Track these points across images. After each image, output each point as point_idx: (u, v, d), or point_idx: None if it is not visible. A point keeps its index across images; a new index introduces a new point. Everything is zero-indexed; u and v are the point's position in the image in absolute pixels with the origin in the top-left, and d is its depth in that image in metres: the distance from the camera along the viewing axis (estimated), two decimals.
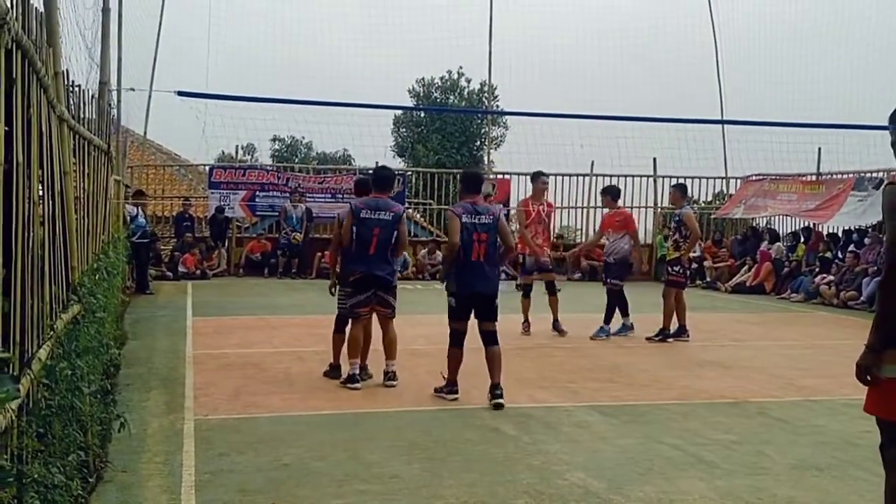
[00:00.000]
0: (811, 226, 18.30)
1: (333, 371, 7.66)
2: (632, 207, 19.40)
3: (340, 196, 18.56)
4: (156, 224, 19.10)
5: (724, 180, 22.08)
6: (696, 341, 10.32)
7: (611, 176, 19.49)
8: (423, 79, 37.45)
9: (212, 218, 18.71)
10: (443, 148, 34.77)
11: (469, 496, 4.60)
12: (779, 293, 16.74)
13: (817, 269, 16.22)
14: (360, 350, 7.40)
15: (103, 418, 5.25)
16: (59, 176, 4.94)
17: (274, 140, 41.94)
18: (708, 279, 18.29)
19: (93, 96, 8.56)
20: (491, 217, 6.99)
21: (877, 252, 14.59)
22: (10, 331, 3.13)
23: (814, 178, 18.84)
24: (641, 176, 20.69)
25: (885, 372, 3.37)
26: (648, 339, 10.31)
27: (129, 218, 14.22)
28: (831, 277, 15.54)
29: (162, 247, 18.05)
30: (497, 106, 31.54)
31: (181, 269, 17.31)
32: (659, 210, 20.56)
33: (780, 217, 19.71)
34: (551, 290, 10.67)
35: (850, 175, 17.44)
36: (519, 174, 19.22)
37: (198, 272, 17.35)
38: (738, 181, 21.26)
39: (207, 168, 19.93)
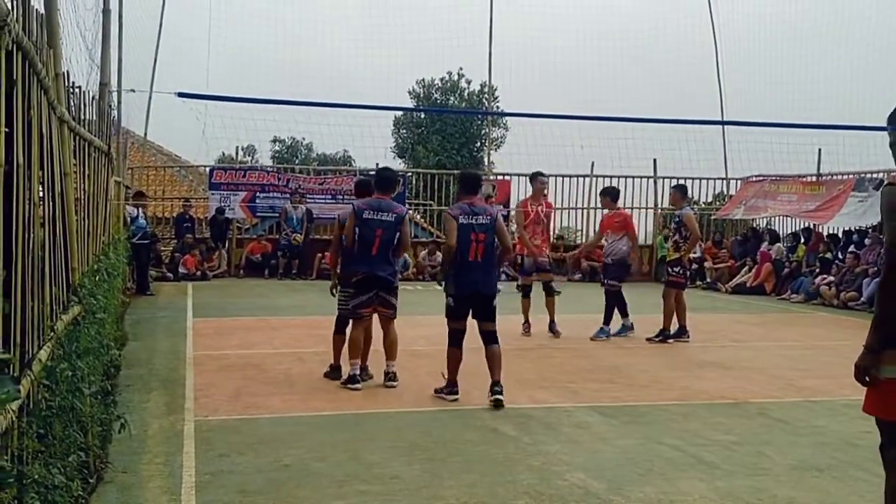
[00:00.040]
0: (811, 226, 18.30)
1: (334, 372, 7.66)
2: (632, 209, 19.44)
3: (341, 197, 18.57)
4: (156, 225, 19.13)
5: (725, 181, 22.08)
6: (696, 342, 10.32)
7: (611, 177, 19.49)
8: (423, 80, 37.47)
9: (212, 219, 18.71)
10: (443, 149, 34.79)
11: (469, 497, 4.60)
12: (779, 294, 16.74)
13: (817, 270, 16.21)
14: (361, 351, 7.41)
15: (104, 419, 5.25)
16: (60, 177, 4.95)
17: (274, 141, 42.06)
18: (708, 280, 18.29)
19: (93, 97, 8.57)
20: (488, 217, 7.01)
21: (877, 253, 14.59)
22: (10, 332, 3.14)
23: (814, 178, 18.84)
24: (642, 177, 20.69)
25: (883, 373, 3.37)
26: (649, 339, 10.31)
27: (129, 219, 14.22)
28: (831, 278, 15.54)
29: (162, 248, 18.07)
30: (497, 107, 31.55)
31: (181, 270, 17.32)
32: (659, 211, 20.56)
33: (781, 218, 19.72)
34: (549, 291, 10.67)
35: (851, 176, 17.44)
36: (519, 175, 19.22)
37: (198, 273, 17.36)
38: (739, 182, 21.26)
39: (208, 169, 19.94)
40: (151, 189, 19.87)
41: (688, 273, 11.24)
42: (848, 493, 4.83)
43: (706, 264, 18.23)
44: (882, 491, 3.51)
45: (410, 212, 19.04)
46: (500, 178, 20.63)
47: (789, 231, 19.57)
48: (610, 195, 11.33)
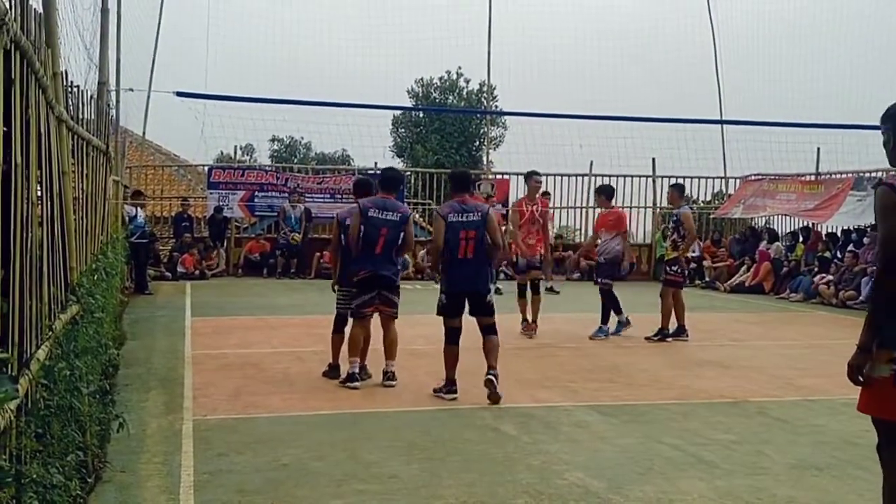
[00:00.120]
0: (810, 225, 18.31)
1: (332, 371, 7.66)
2: (630, 207, 19.46)
3: (339, 196, 18.56)
4: (154, 224, 19.09)
5: (723, 180, 22.07)
6: (695, 341, 10.33)
7: (610, 176, 19.48)
8: (422, 79, 37.52)
9: (210, 218, 18.70)
10: (442, 148, 34.81)
11: (468, 496, 4.59)
12: (778, 293, 16.73)
13: (816, 269, 16.22)
14: (360, 349, 7.41)
15: (102, 418, 5.24)
16: (58, 176, 4.94)
17: (273, 140, 42.08)
18: (707, 279, 18.28)
19: (91, 97, 8.57)
20: (479, 214, 7.02)
21: (875, 252, 14.58)
22: (8, 331, 3.13)
23: (813, 177, 18.84)
24: (640, 176, 20.69)
25: (877, 371, 3.36)
26: (647, 338, 10.31)
27: (127, 218, 14.22)
28: (830, 277, 15.55)
29: (161, 247, 18.04)
30: (496, 106, 31.56)
31: (180, 269, 17.30)
32: (658, 210, 20.56)
33: (779, 217, 19.72)
34: (536, 290, 10.65)
35: (849, 175, 17.45)
36: (518, 174, 19.17)
37: (196, 272, 17.34)
38: (737, 181, 21.26)
39: (206, 168, 19.95)
40: (150, 188, 19.85)
41: (686, 272, 11.24)
42: (847, 491, 4.83)
43: (705, 263, 18.23)
44: (881, 490, 3.51)
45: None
46: (498, 177, 20.63)
47: (788, 230, 19.57)
48: (605, 193, 11.33)
